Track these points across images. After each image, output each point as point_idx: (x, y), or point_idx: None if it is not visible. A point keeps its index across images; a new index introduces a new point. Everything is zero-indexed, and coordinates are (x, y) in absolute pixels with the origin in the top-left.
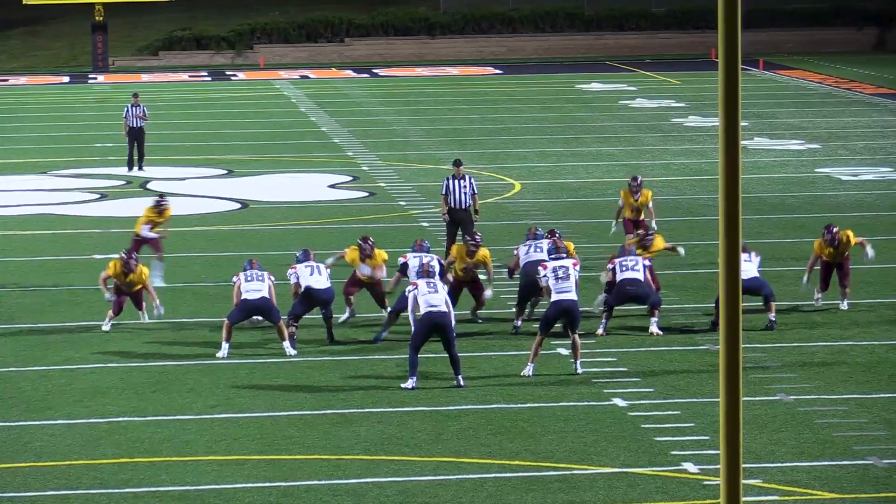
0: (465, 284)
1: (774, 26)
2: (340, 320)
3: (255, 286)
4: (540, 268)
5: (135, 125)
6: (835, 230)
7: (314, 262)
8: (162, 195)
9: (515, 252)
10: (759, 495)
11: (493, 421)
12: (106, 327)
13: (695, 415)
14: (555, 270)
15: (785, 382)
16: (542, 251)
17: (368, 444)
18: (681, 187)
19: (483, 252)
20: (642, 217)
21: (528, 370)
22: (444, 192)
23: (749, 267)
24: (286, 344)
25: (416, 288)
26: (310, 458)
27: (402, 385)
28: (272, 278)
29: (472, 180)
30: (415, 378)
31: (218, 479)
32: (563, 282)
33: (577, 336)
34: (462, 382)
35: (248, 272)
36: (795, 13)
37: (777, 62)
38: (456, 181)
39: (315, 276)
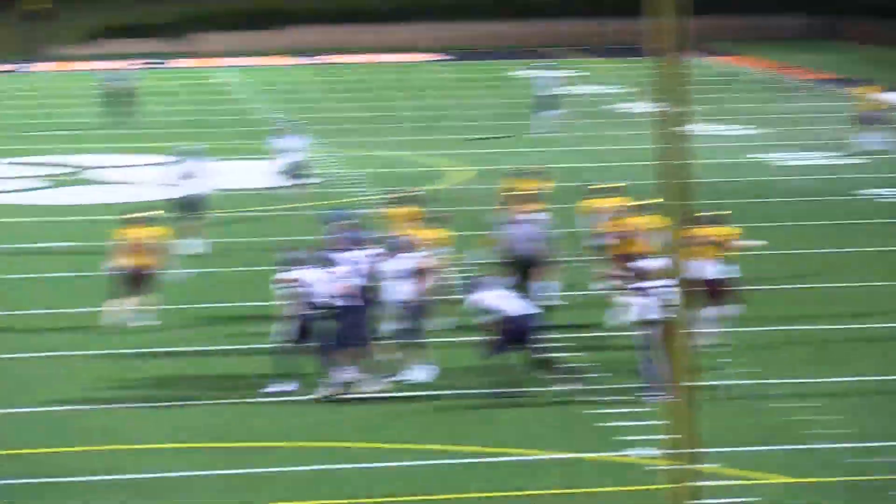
0: None
1: (719, 12)
2: None
3: None
4: None
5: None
6: None
7: None
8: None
9: None
10: (715, 480)
11: (446, 408)
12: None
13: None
14: None
15: (738, 367)
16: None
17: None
18: (625, 172)
19: None
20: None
21: None
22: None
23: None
24: None
25: None
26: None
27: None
28: None
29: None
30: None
31: (174, 468)
32: None
33: None
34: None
35: None
36: None
37: (720, 49)
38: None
39: None
